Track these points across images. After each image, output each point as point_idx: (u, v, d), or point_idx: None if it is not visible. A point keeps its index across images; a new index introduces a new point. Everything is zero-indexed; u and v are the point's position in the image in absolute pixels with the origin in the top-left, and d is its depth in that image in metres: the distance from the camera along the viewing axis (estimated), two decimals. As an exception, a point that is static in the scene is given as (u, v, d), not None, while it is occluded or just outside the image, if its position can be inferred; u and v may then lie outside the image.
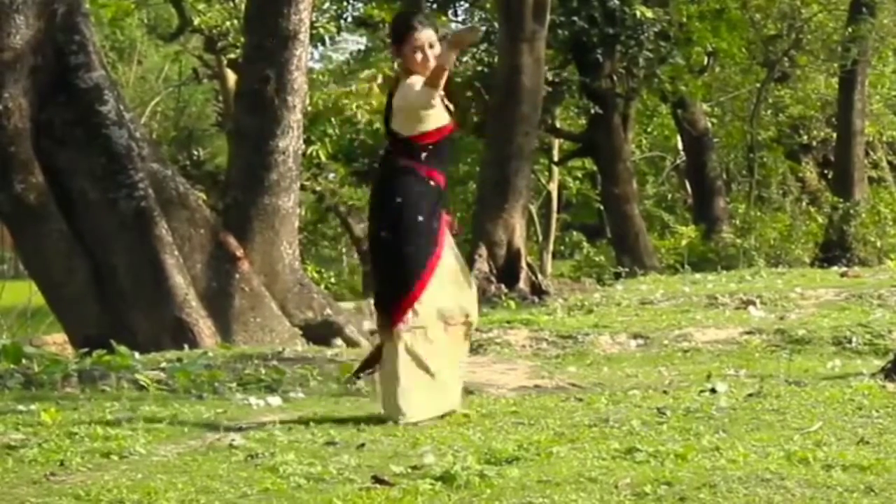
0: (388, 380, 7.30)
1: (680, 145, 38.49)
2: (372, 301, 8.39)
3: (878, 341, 11.61)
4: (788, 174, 37.00)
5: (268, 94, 14.78)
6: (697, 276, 18.97)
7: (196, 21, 29.37)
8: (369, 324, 14.75)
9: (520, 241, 22.63)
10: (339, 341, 14.18)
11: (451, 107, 7.37)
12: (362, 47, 38.35)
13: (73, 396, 9.10)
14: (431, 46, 7.23)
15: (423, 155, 7.28)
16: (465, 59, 28.65)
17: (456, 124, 7.47)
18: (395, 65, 7.52)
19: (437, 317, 7.26)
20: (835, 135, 33.71)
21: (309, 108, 23.78)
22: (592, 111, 28.59)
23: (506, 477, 5.68)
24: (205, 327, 13.22)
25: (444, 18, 31.53)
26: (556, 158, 37.22)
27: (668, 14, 28.44)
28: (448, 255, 7.33)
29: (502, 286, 21.70)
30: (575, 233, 42.25)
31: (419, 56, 7.23)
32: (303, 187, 22.48)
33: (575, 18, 27.14)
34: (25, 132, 13.32)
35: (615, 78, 28.41)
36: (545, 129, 30.57)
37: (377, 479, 5.71)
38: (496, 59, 25.15)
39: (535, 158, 28.20)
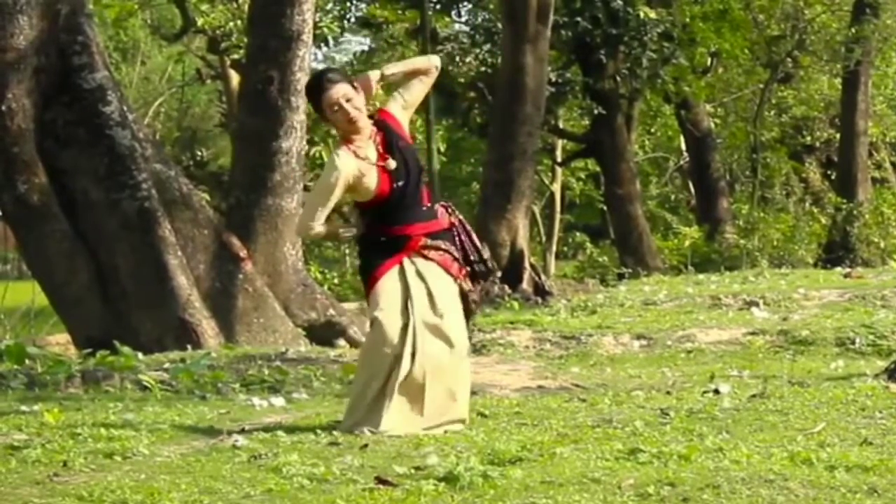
0: None
1: (683, 146, 38.47)
2: None
3: (881, 342, 11.60)
4: (792, 175, 36.99)
5: (271, 95, 14.79)
6: (701, 276, 18.95)
7: (199, 22, 29.37)
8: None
9: (523, 241, 22.65)
10: (342, 342, 14.19)
11: (392, 164, 7.08)
12: (366, 48, 38.32)
13: (76, 397, 9.11)
14: (348, 100, 7.03)
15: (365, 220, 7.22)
16: (468, 59, 28.66)
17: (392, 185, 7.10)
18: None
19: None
20: (838, 135, 33.71)
21: (312, 109, 23.78)
22: (596, 112, 28.60)
23: (509, 478, 5.68)
24: (208, 328, 13.23)
25: (447, 19, 31.56)
26: (559, 159, 37.23)
27: (672, 15, 28.44)
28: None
29: (505, 287, 21.69)
30: (578, 233, 42.23)
31: (337, 112, 7.05)
32: (306, 188, 22.48)
33: (578, 19, 27.15)
34: (28, 133, 13.33)
35: (618, 78, 28.40)
36: (548, 130, 30.59)
37: (380, 480, 5.71)
38: (499, 60, 25.16)
39: (538, 159, 28.21)
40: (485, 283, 7.36)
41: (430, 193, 7.34)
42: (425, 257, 7.12)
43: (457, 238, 7.24)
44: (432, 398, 7.05)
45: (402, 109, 7.27)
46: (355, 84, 7.14)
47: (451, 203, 7.40)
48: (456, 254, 7.18)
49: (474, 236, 7.32)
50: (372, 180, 7.08)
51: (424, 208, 7.19)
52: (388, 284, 7.09)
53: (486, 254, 7.34)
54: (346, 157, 7.07)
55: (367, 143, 7.12)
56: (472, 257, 7.25)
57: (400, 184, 7.09)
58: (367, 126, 7.14)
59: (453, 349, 7.10)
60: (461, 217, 7.35)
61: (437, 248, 7.14)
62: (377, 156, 7.11)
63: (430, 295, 7.09)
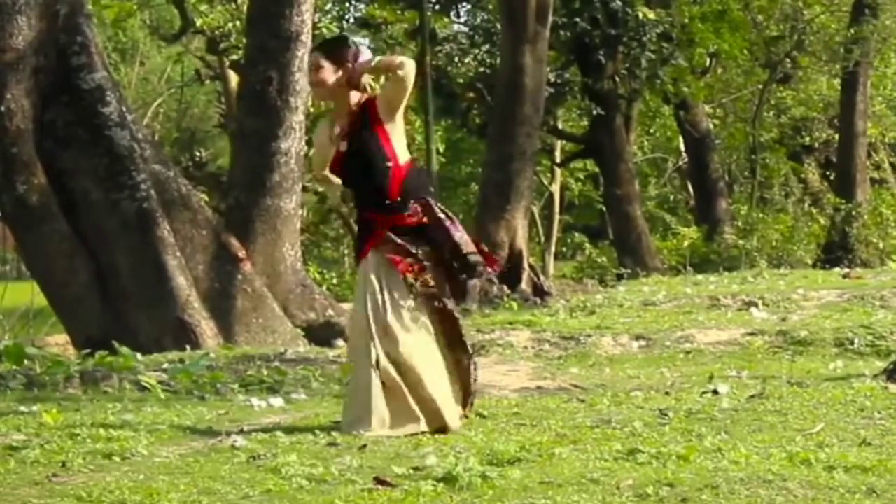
0: None
1: (682, 146, 38.49)
2: None
3: (880, 343, 11.59)
4: (791, 175, 36.99)
5: (270, 96, 14.79)
6: (699, 277, 18.96)
7: (198, 22, 29.37)
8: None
9: (522, 242, 22.63)
10: (340, 342, 14.17)
11: (342, 147, 7.30)
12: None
13: (75, 397, 9.11)
14: (316, 69, 7.34)
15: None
16: (467, 59, 28.66)
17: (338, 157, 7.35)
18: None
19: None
20: (837, 136, 33.70)
21: (311, 110, 23.78)
22: (595, 112, 28.59)
23: (508, 478, 5.68)
24: (207, 328, 13.23)
25: (446, 20, 31.55)
26: (558, 160, 37.23)
27: (671, 15, 28.44)
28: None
29: (504, 287, 21.69)
30: (577, 234, 42.26)
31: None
32: (305, 188, 22.49)
33: (577, 19, 27.14)
34: (28, 133, 13.33)
35: (617, 79, 28.40)
36: (547, 131, 30.57)
37: (379, 481, 5.71)
38: (498, 60, 25.16)
39: (537, 160, 28.19)
40: (464, 281, 7.30)
41: (403, 190, 7.22)
42: (381, 252, 7.19)
43: (436, 235, 7.22)
44: (409, 393, 7.07)
45: (386, 103, 7.30)
46: (348, 61, 7.26)
47: (430, 201, 7.27)
48: (414, 250, 7.16)
49: (456, 232, 7.22)
50: (330, 154, 7.34)
51: (389, 202, 7.22)
52: (359, 276, 7.29)
53: (469, 248, 7.23)
54: (321, 125, 7.58)
55: (344, 118, 7.31)
56: (446, 255, 7.23)
57: (348, 168, 7.27)
58: (347, 103, 7.29)
59: (398, 348, 7.07)
60: (441, 214, 7.25)
61: (393, 244, 7.17)
62: (340, 134, 7.29)
63: (381, 291, 7.15)
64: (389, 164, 7.20)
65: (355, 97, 7.28)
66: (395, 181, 7.21)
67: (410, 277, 7.15)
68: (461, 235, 7.27)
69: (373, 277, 7.16)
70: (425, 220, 7.24)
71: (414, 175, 7.32)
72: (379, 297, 7.13)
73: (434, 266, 7.22)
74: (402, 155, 7.27)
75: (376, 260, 7.19)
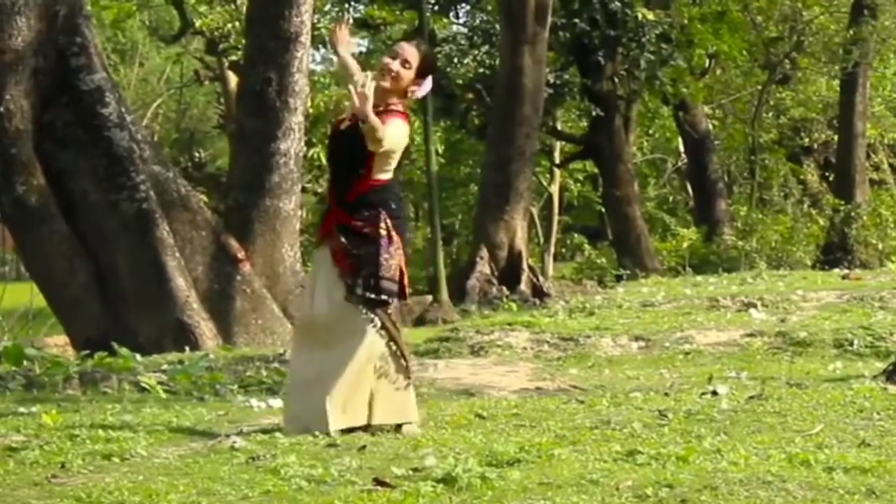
0: None
1: (681, 147, 38.51)
2: None
3: (879, 343, 11.58)
4: (790, 176, 36.99)
5: (269, 96, 14.79)
6: (699, 278, 18.94)
7: (197, 23, 29.41)
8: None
9: (521, 243, 22.65)
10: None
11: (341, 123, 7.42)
12: (364, 49, 38.32)
13: (74, 398, 9.11)
14: (403, 62, 7.28)
15: None
16: (466, 60, 28.68)
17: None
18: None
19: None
20: (836, 137, 33.71)
21: (310, 111, 23.81)
22: (594, 113, 28.61)
23: (507, 479, 5.68)
24: (206, 329, 13.23)
25: (445, 21, 31.54)
26: (557, 161, 37.24)
27: (670, 16, 28.45)
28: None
29: (503, 288, 21.72)
30: (576, 235, 42.25)
31: None
32: (304, 189, 22.50)
33: (576, 20, 27.16)
34: (27, 134, 13.34)
35: (616, 80, 28.42)
36: (546, 132, 30.58)
37: (378, 482, 5.71)
38: (498, 61, 25.17)
39: (536, 160, 28.20)
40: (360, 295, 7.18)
41: (361, 197, 7.18)
42: (328, 244, 7.24)
43: (367, 247, 7.14)
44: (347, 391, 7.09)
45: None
46: (419, 77, 7.33)
47: (381, 215, 7.14)
48: (355, 251, 7.14)
49: (384, 254, 7.13)
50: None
51: (350, 201, 7.19)
52: (312, 267, 7.46)
53: (389, 273, 7.13)
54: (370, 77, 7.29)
55: (370, 104, 7.06)
56: (362, 268, 7.15)
57: (335, 145, 7.42)
58: (384, 97, 7.17)
59: (326, 348, 7.08)
60: (383, 232, 7.14)
61: (338, 240, 7.18)
62: (351, 112, 7.18)
63: (318, 287, 7.23)
64: (361, 171, 7.20)
65: (392, 99, 7.22)
66: (358, 189, 7.19)
67: (347, 279, 7.14)
68: (388, 258, 7.16)
69: (315, 270, 7.32)
70: (367, 230, 7.19)
71: (380, 191, 7.20)
72: (315, 292, 7.23)
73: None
74: (383, 174, 7.21)
75: (320, 254, 7.28)
